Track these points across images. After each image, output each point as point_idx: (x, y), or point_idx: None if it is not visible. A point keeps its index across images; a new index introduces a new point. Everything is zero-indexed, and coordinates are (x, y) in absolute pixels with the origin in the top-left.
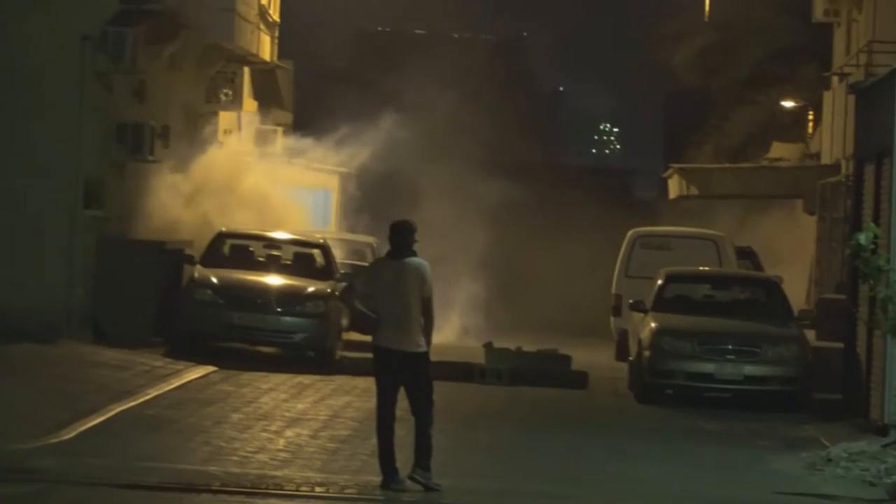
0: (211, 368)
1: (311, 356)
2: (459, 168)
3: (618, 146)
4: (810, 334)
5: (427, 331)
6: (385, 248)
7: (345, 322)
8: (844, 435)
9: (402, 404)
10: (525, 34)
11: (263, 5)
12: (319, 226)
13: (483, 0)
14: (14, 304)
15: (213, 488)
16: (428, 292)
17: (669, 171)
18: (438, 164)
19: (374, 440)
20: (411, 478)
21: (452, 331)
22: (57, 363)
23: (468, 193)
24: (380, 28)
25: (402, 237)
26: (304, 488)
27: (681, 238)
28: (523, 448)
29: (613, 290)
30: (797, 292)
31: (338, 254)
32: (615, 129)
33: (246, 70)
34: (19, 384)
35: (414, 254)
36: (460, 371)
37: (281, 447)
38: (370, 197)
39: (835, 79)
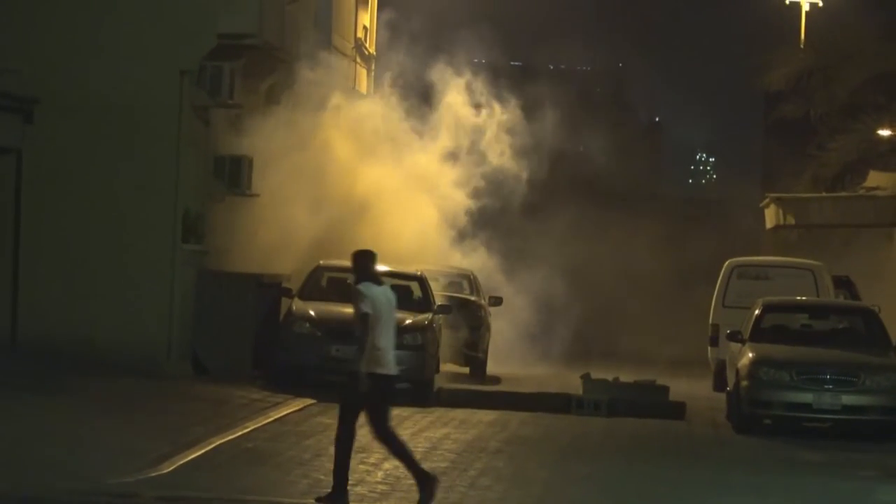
0: (309, 401)
1: (408, 388)
2: (559, 198)
3: (714, 176)
4: None
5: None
6: (485, 279)
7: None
8: None
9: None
10: (621, 65)
11: (359, 38)
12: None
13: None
14: (114, 338)
15: None
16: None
17: (766, 201)
18: (538, 194)
19: (473, 472)
20: None
21: (548, 360)
22: (157, 397)
23: (566, 223)
24: (475, 60)
25: (374, 264)
26: None
27: (778, 268)
28: (622, 480)
29: (711, 320)
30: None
31: (434, 286)
32: (712, 159)
33: None
34: (120, 418)
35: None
36: (557, 402)
37: (379, 479)
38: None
39: None
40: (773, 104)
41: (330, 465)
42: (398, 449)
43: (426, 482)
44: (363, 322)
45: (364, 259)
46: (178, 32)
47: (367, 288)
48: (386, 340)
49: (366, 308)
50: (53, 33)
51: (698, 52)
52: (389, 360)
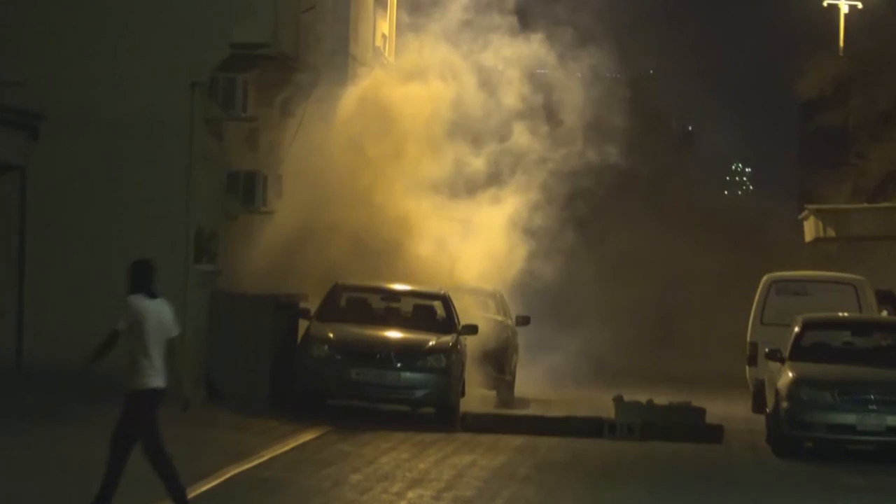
0: (329, 427)
1: (433, 413)
2: (587, 212)
3: (750, 187)
4: None
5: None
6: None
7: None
8: None
9: None
10: (651, 71)
11: (378, 47)
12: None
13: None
14: (125, 363)
15: None
16: (174, 332)
17: (805, 213)
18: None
19: (500, 501)
20: None
21: (578, 381)
22: (168, 424)
23: (596, 236)
24: (498, 68)
25: (150, 275)
26: None
27: (818, 283)
28: None
29: (748, 338)
30: None
31: (459, 306)
32: (748, 170)
33: None
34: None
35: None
36: (589, 426)
37: None
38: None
39: None
40: (810, 112)
41: (351, 495)
42: (166, 472)
43: None
44: (110, 337)
45: (136, 269)
46: (189, 43)
47: (134, 300)
48: (148, 357)
49: (120, 324)
50: (58, 45)
51: (732, 59)
52: (152, 374)
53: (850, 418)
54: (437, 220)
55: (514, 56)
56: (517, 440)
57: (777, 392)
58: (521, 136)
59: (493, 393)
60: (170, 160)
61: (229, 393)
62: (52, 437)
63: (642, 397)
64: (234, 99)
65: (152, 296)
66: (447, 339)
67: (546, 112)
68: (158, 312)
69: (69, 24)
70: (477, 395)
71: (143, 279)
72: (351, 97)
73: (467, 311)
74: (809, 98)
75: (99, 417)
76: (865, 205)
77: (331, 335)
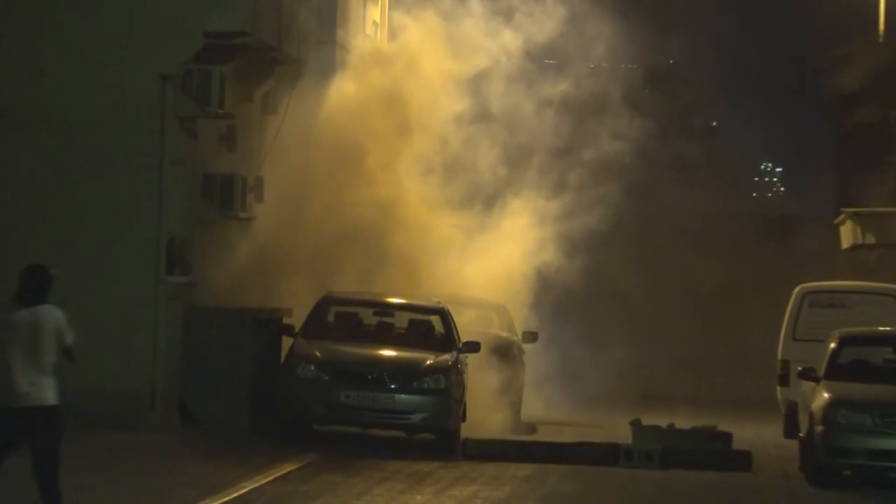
0: (315, 456)
1: (431, 439)
2: (603, 216)
3: (781, 188)
4: None
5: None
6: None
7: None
8: None
9: None
10: (672, 62)
11: (369, 35)
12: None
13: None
14: (90, 385)
15: None
16: (69, 340)
17: (842, 217)
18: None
19: None
20: None
21: (591, 402)
22: (140, 452)
23: (614, 241)
24: (503, 59)
25: (38, 282)
26: None
27: (856, 294)
28: None
29: (779, 356)
30: None
31: (460, 320)
32: (778, 170)
33: None
34: (95, 478)
35: (46, 301)
36: (603, 452)
37: None
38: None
39: None
40: (846, 107)
41: None
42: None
43: None
44: None
45: (24, 276)
46: (159, 32)
47: (6, 309)
48: (14, 370)
49: None
50: (19, 38)
51: (759, 49)
52: (19, 391)
53: (892, 444)
54: (443, 227)
55: (522, 44)
56: (524, 469)
57: (811, 415)
58: (536, 132)
59: (497, 416)
60: (138, 161)
61: (205, 418)
62: None
63: (662, 421)
64: (210, 94)
65: (26, 304)
66: (446, 357)
67: (554, 107)
68: (32, 322)
69: (29, 15)
70: (479, 419)
71: (25, 286)
72: (340, 90)
73: (468, 327)
74: (846, 91)
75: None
76: None
77: (318, 354)
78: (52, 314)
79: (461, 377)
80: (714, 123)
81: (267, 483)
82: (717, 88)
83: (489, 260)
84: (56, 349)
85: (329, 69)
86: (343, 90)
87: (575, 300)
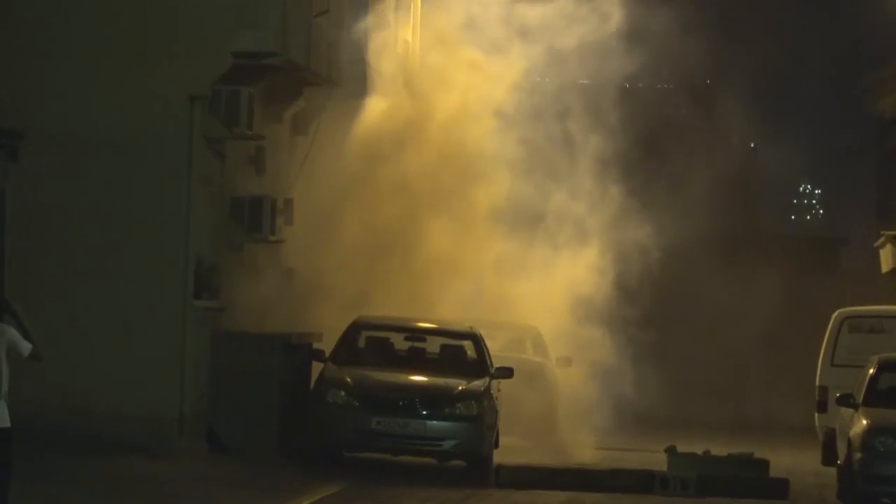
0: (346, 483)
1: (463, 466)
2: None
3: (821, 211)
4: None
5: None
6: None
7: None
8: None
9: None
10: (709, 82)
11: (400, 54)
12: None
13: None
14: (115, 410)
15: None
16: (25, 352)
17: (882, 240)
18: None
19: None
20: None
21: (626, 429)
22: (167, 480)
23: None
24: (537, 78)
25: None
26: None
27: None
28: None
29: (817, 382)
30: None
31: (492, 345)
32: (817, 191)
33: None
34: None
35: None
36: (638, 480)
37: None
38: None
39: None
40: (888, 128)
41: None
42: None
43: None
44: None
45: None
46: (188, 52)
47: None
48: None
49: None
50: (41, 56)
51: (799, 70)
52: None
53: None
54: (483, 252)
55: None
56: (558, 497)
57: (850, 442)
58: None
59: (530, 443)
60: (166, 183)
61: (233, 444)
62: (27, 493)
63: (698, 448)
64: (238, 114)
65: None
66: (479, 383)
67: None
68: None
69: (51, 31)
70: (512, 446)
71: None
72: (371, 110)
73: (498, 352)
74: (888, 114)
75: (85, 473)
76: None
77: (348, 380)
78: (10, 332)
79: (493, 403)
80: (752, 144)
81: None
82: (756, 110)
83: (529, 283)
84: (9, 368)
85: (359, 89)
86: (374, 110)
87: (616, 324)
